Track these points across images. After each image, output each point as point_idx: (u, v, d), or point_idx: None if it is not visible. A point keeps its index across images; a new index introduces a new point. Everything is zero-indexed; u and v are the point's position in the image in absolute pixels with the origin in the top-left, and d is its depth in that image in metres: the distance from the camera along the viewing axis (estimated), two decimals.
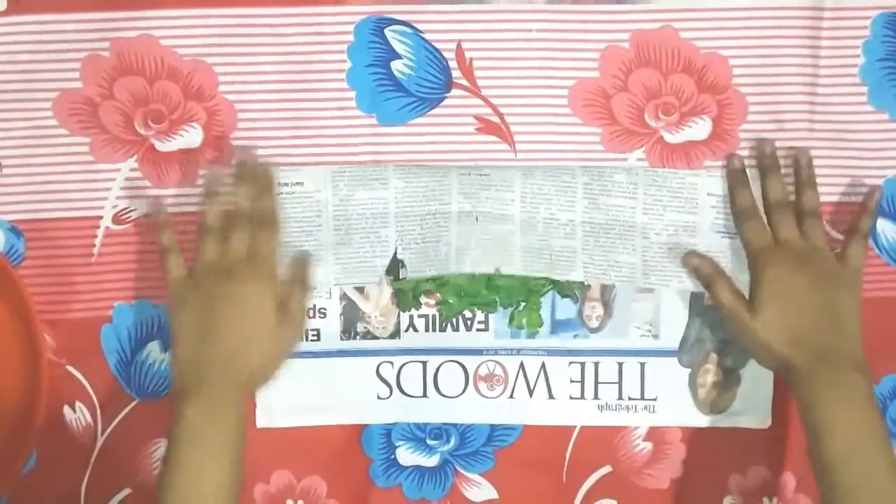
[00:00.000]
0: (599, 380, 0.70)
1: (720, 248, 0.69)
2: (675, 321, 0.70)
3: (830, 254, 0.66)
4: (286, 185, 0.67)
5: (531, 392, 0.70)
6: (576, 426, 0.71)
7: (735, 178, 0.68)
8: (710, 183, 0.69)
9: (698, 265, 0.67)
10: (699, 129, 0.69)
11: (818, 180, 0.69)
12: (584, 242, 0.69)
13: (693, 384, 0.70)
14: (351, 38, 0.67)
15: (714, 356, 0.70)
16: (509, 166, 0.68)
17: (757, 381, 0.70)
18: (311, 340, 0.69)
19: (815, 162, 0.69)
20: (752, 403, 0.70)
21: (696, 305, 0.70)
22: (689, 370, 0.70)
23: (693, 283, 0.69)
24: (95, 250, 0.68)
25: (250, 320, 0.61)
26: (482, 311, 0.70)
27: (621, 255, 0.69)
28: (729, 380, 0.70)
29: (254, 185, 0.65)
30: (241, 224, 0.63)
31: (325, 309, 0.69)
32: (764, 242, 0.66)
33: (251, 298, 0.61)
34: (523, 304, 0.70)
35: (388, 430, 0.71)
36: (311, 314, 0.69)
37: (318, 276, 0.67)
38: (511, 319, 0.70)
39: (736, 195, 0.67)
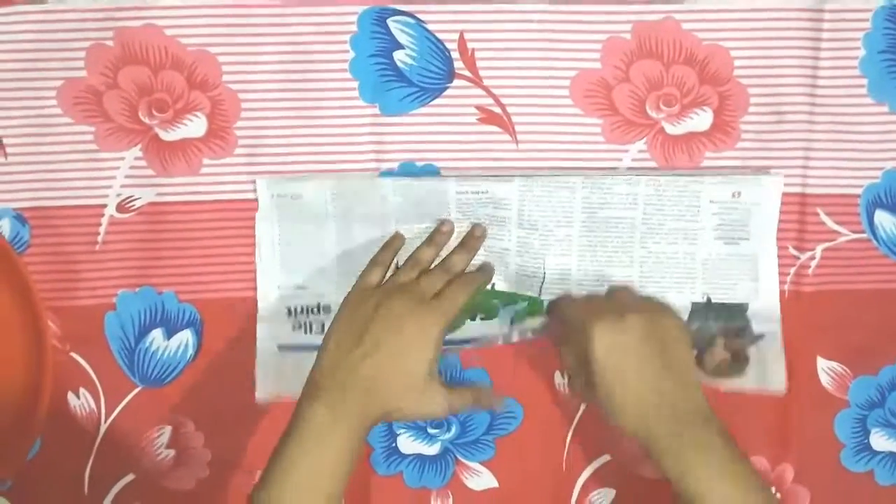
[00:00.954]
0: None
1: (720, 255, 0.69)
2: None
3: (644, 299, 0.64)
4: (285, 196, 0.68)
5: None
6: (575, 415, 0.72)
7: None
8: (712, 190, 0.69)
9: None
10: (700, 120, 0.69)
11: (817, 172, 0.69)
12: (579, 259, 0.69)
13: (701, 363, 0.69)
14: (354, 28, 0.67)
15: (721, 339, 0.69)
16: (508, 181, 0.68)
17: (769, 354, 0.69)
18: (315, 333, 0.69)
19: (815, 154, 0.70)
20: (765, 376, 0.69)
21: (698, 311, 0.70)
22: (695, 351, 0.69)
23: (691, 294, 0.69)
24: (100, 238, 0.68)
25: (407, 358, 0.60)
26: (483, 319, 0.70)
27: (617, 269, 0.69)
28: (738, 359, 0.69)
29: (471, 256, 0.67)
30: (441, 273, 0.65)
31: (329, 305, 0.69)
32: (579, 315, 0.61)
33: (418, 338, 0.60)
34: (525, 304, 0.70)
35: None
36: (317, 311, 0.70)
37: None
38: (513, 320, 0.70)
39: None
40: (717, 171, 0.69)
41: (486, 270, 0.69)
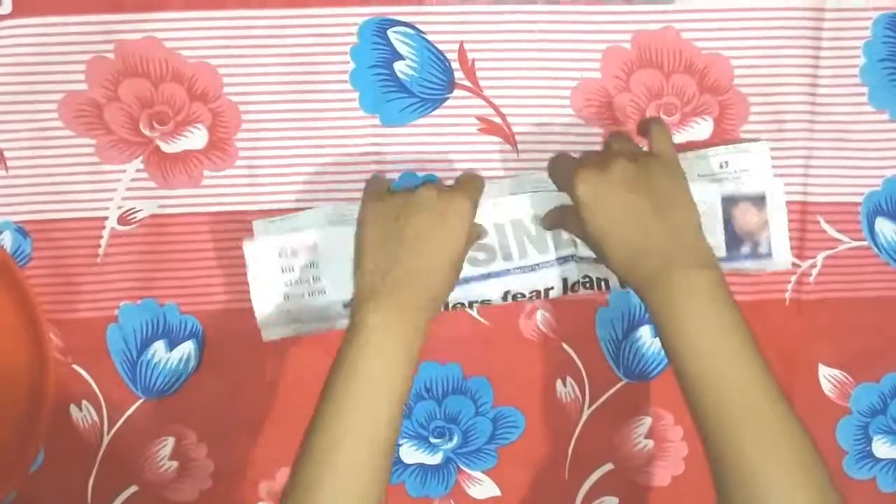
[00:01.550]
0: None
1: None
2: None
3: (638, 149, 0.61)
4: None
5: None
6: (577, 424, 0.71)
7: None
8: (698, 164, 0.68)
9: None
10: (701, 129, 0.69)
11: (817, 180, 0.70)
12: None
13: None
14: (354, 39, 0.67)
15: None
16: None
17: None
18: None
19: (816, 162, 0.70)
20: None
21: None
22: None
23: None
24: (101, 251, 0.68)
25: (444, 237, 0.59)
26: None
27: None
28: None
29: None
30: (460, 184, 0.63)
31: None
32: (568, 166, 0.60)
33: (450, 216, 0.59)
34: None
35: None
36: None
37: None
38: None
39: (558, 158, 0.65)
40: (697, 148, 0.68)
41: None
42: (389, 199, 0.60)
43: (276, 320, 0.66)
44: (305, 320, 0.67)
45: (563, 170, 0.62)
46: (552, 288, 0.68)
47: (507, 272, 0.67)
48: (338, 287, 0.66)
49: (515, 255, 0.67)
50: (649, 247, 0.56)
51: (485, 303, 0.68)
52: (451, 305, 0.68)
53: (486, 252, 0.67)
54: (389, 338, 0.56)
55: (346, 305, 0.66)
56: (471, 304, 0.68)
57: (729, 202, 0.67)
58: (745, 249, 0.68)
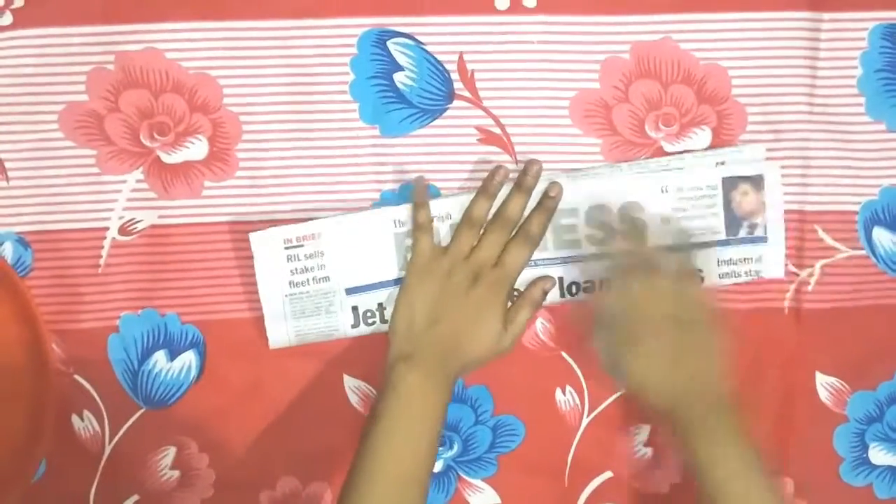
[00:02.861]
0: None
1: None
2: None
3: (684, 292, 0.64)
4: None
5: None
6: (577, 432, 0.72)
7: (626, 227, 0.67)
8: (696, 162, 0.68)
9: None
10: (699, 139, 0.69)
11: (815, 189, 0.70)
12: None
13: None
14: (354, 50, 0.67)
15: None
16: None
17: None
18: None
19: (813, 171, 0.70)
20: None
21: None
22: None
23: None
24: (102, 261, 0.68)
25: (479, 324, 0.64)
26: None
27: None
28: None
29: (527, 197, 0.67)
30: (501, 228, 0.66)
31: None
32: (627, 296, 0.63)
33: (485, 310, 0.64)
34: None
35: None
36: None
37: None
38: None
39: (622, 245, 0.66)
40: (694, 152, 0.69)
41: (548, 205, 0.67)
42: (431, 280, 0.65)
43: (281, 313, 0.67)
44: (308, 312, 0.67)
45: (604, 314, 0.64)
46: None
47: None
48: (341, 275, 0.67)
49: None
50: (691, 391, 0.61)
51: None
52: None
53: None
54: (427, 393, 0.62)
55: (349, 292, 0.67)
56: None
57: (728, 184, 0.68)
58: (743, 232, 0.68)
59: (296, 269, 0.67)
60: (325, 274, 0.67)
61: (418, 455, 0.61)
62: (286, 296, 0.67)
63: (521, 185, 0.66)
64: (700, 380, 0.61)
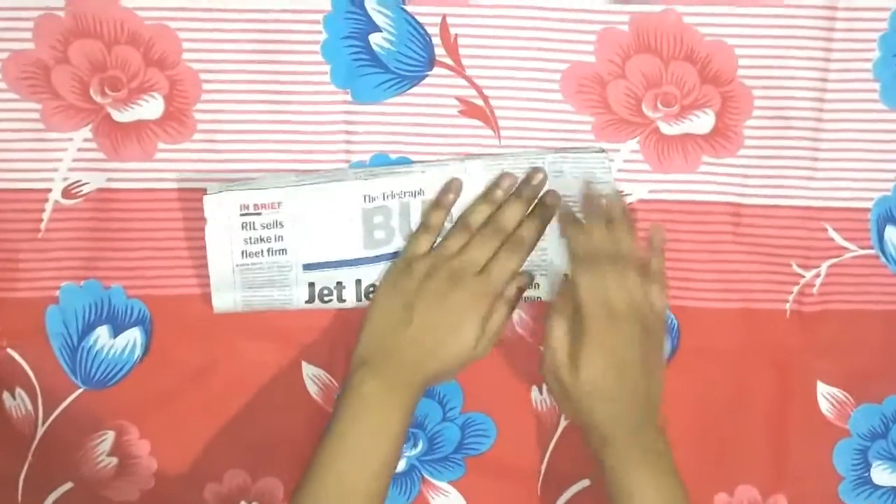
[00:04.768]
0: None
1: None
2: None
3: (652, 302, 0.61)
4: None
5: None
6: (553, 436, 0.68)
7: (569, 219, 0.64)
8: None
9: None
10: (701, 122, 0.66)
11: (824, 183, 0.66)
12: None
13: None
14: (328, 6, 0.64)
15: None
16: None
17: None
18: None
19: (823, 164, 0.66)
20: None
21: None
22: None
23: None
24: (43, 225, 0.65)
25: (455, 332, 0.61)
26: None
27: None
28: None
29: (526, 207, 0.64)
30: (492, 235, 0.63)
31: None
32: (599, 295, 0.60)
33: (464, 316, 0.61)
34: None
35: None
36: None
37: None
38: None
39: (580, 234, 0.63)
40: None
41: (544, 214, 0.65)
42: (407, 280, 0.62)
43: (230, 282, 0.63)
44: (259, 284, 0.63)
45: (595, 288, 0.60)
46: None
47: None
48: (300, 249, 0.64)
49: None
50: (633, 404, 0.60)
51: (372, 290, 0.64)
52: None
53: (385, 231, 0.64)
54: (386, 403, 0.59)
55: (306, 268, 0.64)
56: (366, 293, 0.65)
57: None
58: None
59: (250, 239, 0.63)
60: (282, 246, 0.64)
61: (365, 471, 0.59)
62: (237, 266, 0.63)
63: (521, 195, 0.64)
64: (643, 394, 0.60)
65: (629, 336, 0.59)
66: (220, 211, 0.63)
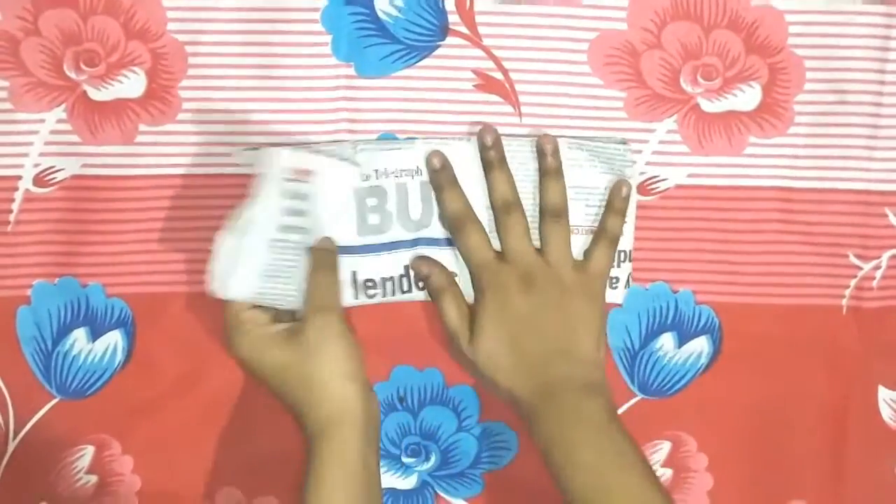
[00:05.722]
0: None
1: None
2: None
3: (568, 263, 0.60)
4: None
5: None
6: None
7: (442, 177, 0.60)
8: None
9: (427, 274, 0.61)
10: (746, 98, 0.62)
11: (884, 164, 0.63)
12: None
13: None
14: None
15: None
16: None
17: None
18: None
19: (882, 143, 0.63)
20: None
21: None
22: None
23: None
24: (12, 217, 0.62)
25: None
26: None
27: None
28: None
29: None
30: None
31: None
32: (485, 257, 0.59)
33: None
34: None
35: None
36: None
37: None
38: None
39: (445, 196, 0.60)
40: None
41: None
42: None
43: (250, 266, 0.57)
44: (273, 272, 0.57)
45: (476, 250, 0.60)
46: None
47: (407, 244, 0.60)
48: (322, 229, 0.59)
49: (416, 218, 0.60)
50: (544, 367, 0.58)
51: (370, 284, 0.60)
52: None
53: (381, 215, 0.60)
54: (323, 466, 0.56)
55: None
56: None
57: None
58: None
59: (289, 210, 0.57)
60: (308, 224, 0.58)
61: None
62: (270, 241, 0.57)
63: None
64: (553, 354, 0.58)
65: (521, 295, 0.58)
66: (272, 171, 0.57)
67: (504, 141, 0.60)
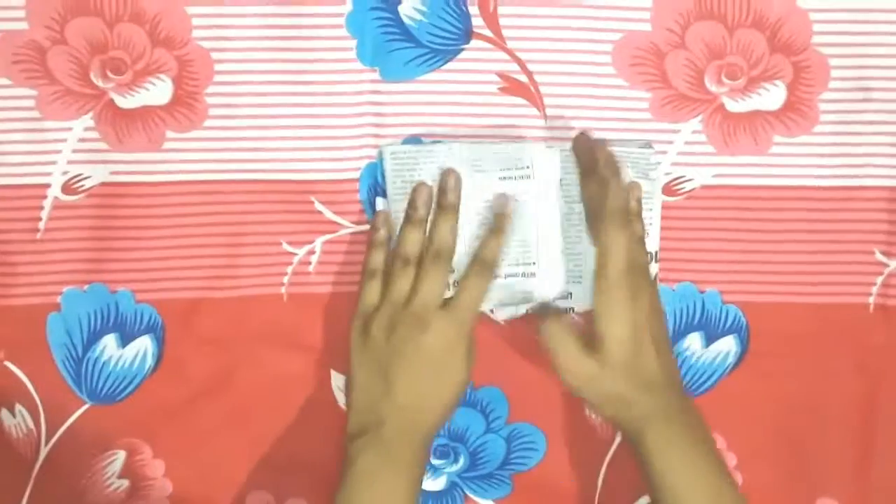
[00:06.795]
0: None
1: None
2: None
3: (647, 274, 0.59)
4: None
5: None
6: (609, 448, 0.64)
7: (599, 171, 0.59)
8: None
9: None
10: (770, 97, 0.62)
11: None
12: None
13: None
14: None
15: None
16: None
17: None
18: None
19: None
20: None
21: None
22: None
23: None
24: (42, 225, 0.61)
25: (441, 381, 0.58)
26: None
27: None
28: None
29: (456, 215, 0.60)
30: (437, 260, 0.58)
31: None
32: (620, 263, 0.56)
33: (446, 360, 0.58)
34: None
35: None
36: None
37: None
38: None
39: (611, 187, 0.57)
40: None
41: (502, 225, 0.60)
42: (372, 342, 0.58)
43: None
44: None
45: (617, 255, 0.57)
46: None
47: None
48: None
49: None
50: (661, 375, 0.57)
51: None
52: None
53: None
54: (385, 471, 0.57)
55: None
56: None
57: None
58: None
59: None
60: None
61: None
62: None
63: (444, 206, 0.60)
64: (667, 362, 0.58)
65: (646, 299, 0.56)
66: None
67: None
